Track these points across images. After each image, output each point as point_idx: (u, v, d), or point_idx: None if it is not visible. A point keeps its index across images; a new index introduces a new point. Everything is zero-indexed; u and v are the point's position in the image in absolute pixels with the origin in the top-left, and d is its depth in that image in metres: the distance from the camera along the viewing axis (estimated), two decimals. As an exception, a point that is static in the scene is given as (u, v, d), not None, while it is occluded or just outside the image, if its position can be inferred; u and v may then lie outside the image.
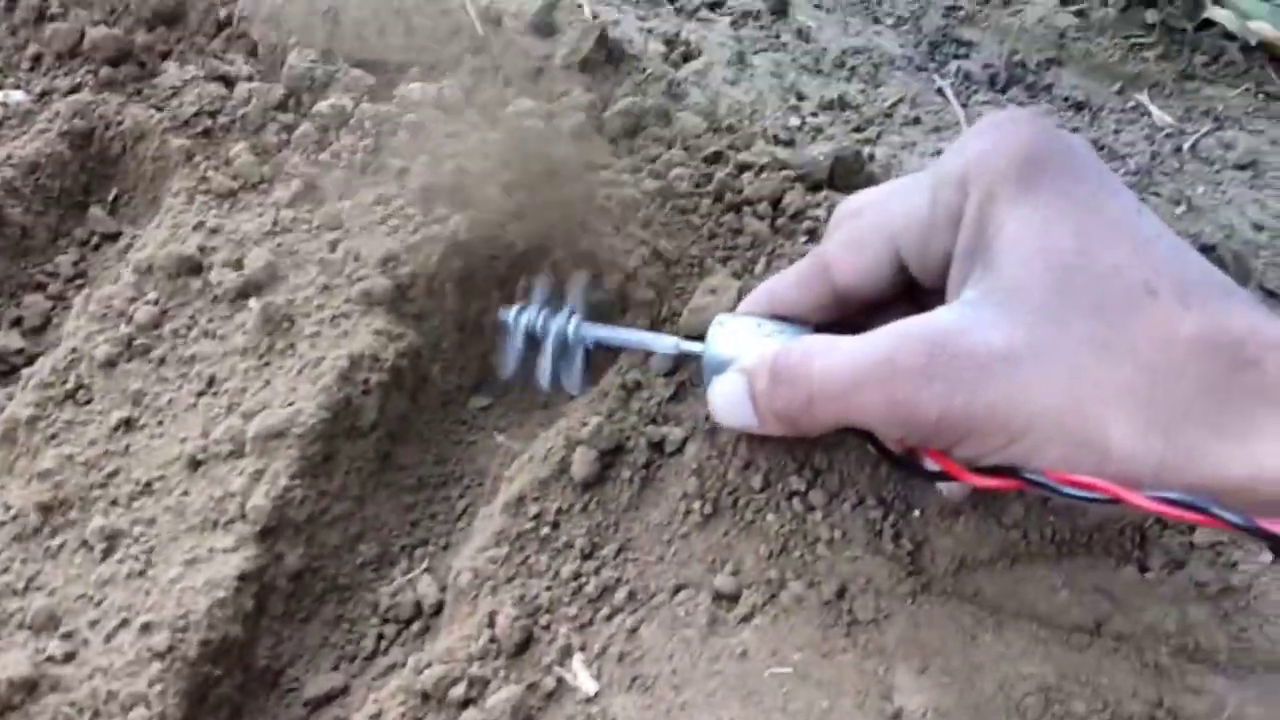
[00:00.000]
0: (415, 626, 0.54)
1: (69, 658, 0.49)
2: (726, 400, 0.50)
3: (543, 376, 0.59)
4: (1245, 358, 0.38)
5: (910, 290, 0.49)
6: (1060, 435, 0.40)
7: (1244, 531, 0.39)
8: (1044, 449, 0.41)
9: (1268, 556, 0.57)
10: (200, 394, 0.56)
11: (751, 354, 0.49)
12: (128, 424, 0.56)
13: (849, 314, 0.51)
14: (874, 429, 0.46)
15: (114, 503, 0.53)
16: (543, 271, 0.61)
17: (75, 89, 0.69)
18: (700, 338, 0.54)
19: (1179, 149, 0.88)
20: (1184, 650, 0.53)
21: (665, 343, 0.56)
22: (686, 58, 0.83)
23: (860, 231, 0.49)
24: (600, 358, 0.61)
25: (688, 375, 0.60)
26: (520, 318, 0.58)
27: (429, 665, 0.49)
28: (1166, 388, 0.39)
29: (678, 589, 0.55)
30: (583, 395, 0.61)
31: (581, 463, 0.56)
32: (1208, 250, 0.72)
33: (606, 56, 0.78)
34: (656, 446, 0.58)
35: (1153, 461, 0.39)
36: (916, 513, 0.57)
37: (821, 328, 0.51)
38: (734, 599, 0.54)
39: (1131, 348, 0.39)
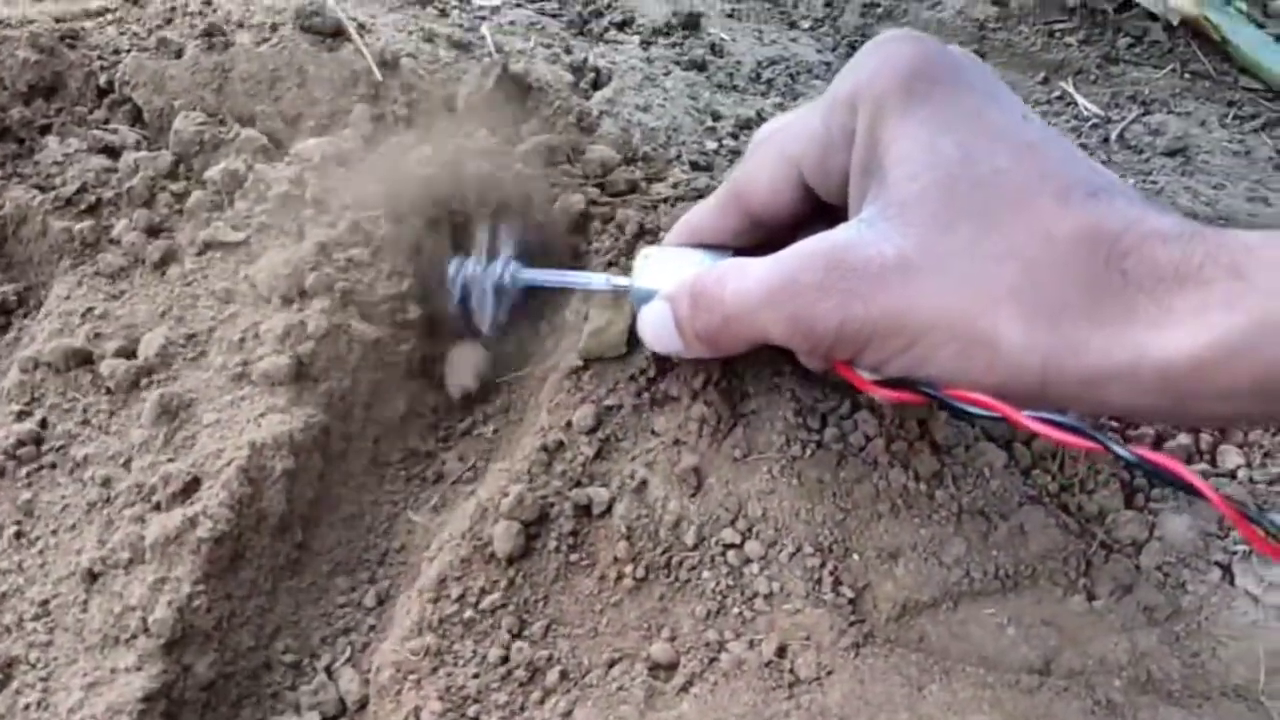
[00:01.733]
0: (341, 724, 0.52)
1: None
2: (653, 327, 0.53)
3: (483, 323, 0.61)
4: (1122, 249, 0.40)
5: (825, 208, 0.51)
6: (953, 336, 0.42)
7: (1119, 459, 0.41)
8: (939, 350, 0.43)
9: (1216, 575, 0.55)
10: (95, 498, 0.53)
11: (674, 282, 0.52)
12: (19, 538, 0.53)
13: (769, 237, 0.53)
14: (784, 344, 0.47)
15: (8, 627, 0.50)
16: (479, 228, 0.63)
17: (-49, 175, 0.65)
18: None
19: (1106, 139, 0.86)
20: (1136, 683, 0.52)
21: (597, 279, 0.58)
22: (596, 85, 0.81)
23: (765, 157, 0.52)
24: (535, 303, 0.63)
25: (611, 430, 0.58)
26: (460, 271, 0.60)
27: (351, 775, 0.47)
28: (1048, 284, 0.40)
29: (612, 663, 0.52)
30: (500, 339, 0.63)
31: (504, 537, 0.54)
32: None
33: (512, 92, 0.76)
34: (583, 510, 0.56)
35: (1039, 355, 0.41)
36: (855, 557, 0.55)
37: (743, 253, 0.52)
38: (671, 668, 0.52)
39: (1014, 248, 0.41)
